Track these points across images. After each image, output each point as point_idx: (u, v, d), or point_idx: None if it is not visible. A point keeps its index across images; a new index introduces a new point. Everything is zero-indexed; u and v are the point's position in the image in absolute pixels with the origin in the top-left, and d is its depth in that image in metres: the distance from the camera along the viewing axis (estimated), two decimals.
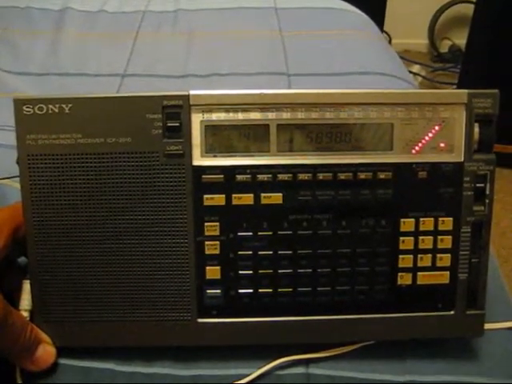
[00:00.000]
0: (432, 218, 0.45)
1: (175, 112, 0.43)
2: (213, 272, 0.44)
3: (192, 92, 0.43)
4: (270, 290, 0.45)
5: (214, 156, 0.44)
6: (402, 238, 0.45)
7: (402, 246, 0.45)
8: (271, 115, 0.43)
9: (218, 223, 0.44)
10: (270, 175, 0.44)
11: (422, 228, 0.45)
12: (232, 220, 0.44)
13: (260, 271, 0.45)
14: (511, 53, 1.69)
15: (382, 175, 0.44)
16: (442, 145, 0.44)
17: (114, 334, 0.45)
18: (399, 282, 0.45)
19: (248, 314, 0.45)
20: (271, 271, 0.45)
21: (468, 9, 2.23)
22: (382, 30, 1.46)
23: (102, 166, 0.43)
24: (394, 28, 2.36)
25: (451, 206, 0.45)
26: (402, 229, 0.45)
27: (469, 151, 0.44)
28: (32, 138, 0.42)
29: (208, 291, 0.45)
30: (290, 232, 0.44)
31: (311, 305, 0.45)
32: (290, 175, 0.44)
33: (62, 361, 0.45)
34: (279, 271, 0.45)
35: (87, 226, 0.43)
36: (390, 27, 2.25)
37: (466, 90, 0.44)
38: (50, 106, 0.42)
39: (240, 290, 0.45)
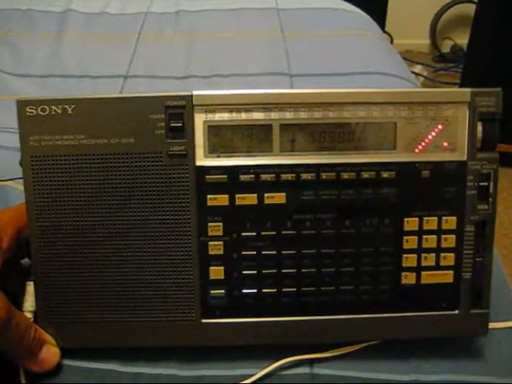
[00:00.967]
0: (436, 217, 0.44)
1: (178, 112, 0.43)
2: (216, 272, 0.44)
3: (195, 92, 0.43)
4: (274, 290, 0.45)
5: (218, 156, 0.44)
6: (405, 238, 0.45)
7: (405, 246, 0.45)
8: (274, 115, 0.43)
9: (221, 223, 0.44)
10: (273, 175, 0.44)
11: (425, 227, 0.45)
12: (235, 220, 0.44)
13: (264, 271, 0.45)
14: None
15: (385, 174, 0.44)
16: (446, 144, 0.44)
17: (117, 334, 0.45)
18: (403, 282, 0.45)
19: (252, 314, 0.45)
20: (275, 271, 0.45)
21: (470, 8, 2.23)
22: (383, 31, 1.46)
23: (105, 167, 0.43)
24: (395, 28, 2.36)
25: (455, 205, 0.44)
26: (406, 228, 0.45)
27: (472, 150, 0.44)
28: (35, 139, 0.42)
29: (212, 291, 0.44)
30: (294, 232, 0.44)
31: (315, 305, 0.45)
32: (294, 175, 0.44)
33: (66, 362, 0.45)
34: (283, 271, 0.45)
35: (90, 227, 0.43)
36: (391, 27, 2.25)
37: (468, 89, 0.44)
38: (53, 107, 0.42)
39: (244, 290, 0.45)
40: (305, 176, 0.44)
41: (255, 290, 0.45)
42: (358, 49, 0.95)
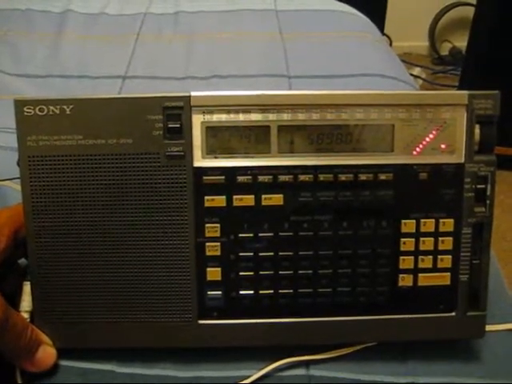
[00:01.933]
0: (433, 220, 0.45)
1: (176, 113, 0.43)
2: (213, 273, 0.44)
3: (193, 93, 0.43)
4: (271, 292, 0.45)
5: (215, 157, 0.44)
6: (402, 240, 0.45)
7: (402, 248, 0.45)
8: (272, 116, 0.43)
9: (218, 224, 0.44)
10: (270, 176, 0.44)
11: (422, 229, 0.45)
12: (233, 221, 0.44)
13: (261, 272, 0.45)
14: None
15: (382, 176, 0.44)
16: (443, 146, 0.44)
17: (114, 335, 0.45)
18: (400, 284, 0.45)
19: (249, 315, 0.45)
20: (272, 272, 0.45)
21: (468, 11, 2.23)
22: (382, 33, 1.46)
23: (103, 167, 0.43)
24: (394, 31, 2.36)
25: (452, 207, 0.44)
26: (403, 230, 0.45)
27: (469, 152, 0.44)
28: (33, 140, 0.42)
29: (209, 293, 0.44)
30: (291, 233, 0.44)
31: (312, 306, 0.45)
32: (291, 176, 0.44)
33: (63, 362, 0.45)
34: (280, 272, 0.45)
35: (87, 228, 0.43)
36: (390, 30, 2.25)
37: (466, 92, 0.44)
38: (51, 107, 0.42)
39: (241, 292, 0.45)
40: (302, 177, 0.44)
41: (252, 292, 0.45)
42: (356, 51, 0.95)
